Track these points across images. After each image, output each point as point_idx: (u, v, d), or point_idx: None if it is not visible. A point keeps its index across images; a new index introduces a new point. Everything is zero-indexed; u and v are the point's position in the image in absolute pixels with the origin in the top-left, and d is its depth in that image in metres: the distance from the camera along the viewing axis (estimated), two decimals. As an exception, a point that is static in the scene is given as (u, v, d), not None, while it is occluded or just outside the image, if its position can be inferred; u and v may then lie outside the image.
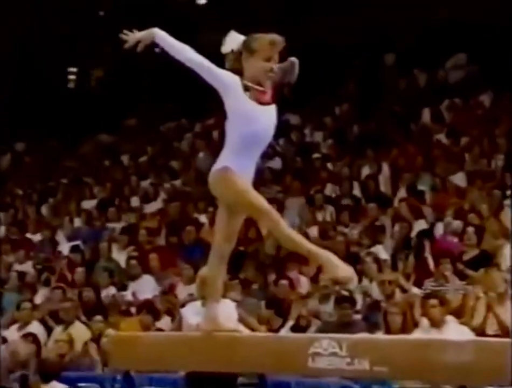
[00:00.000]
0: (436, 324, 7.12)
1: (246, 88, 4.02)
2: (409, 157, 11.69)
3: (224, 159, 4.11)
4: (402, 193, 10.82)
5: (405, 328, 7.38)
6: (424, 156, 11.51)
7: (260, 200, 4.02)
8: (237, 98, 4.02)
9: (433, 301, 7.26)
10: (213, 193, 4.22)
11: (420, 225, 9.82)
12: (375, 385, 6.55)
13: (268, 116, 4.09)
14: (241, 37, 4.14)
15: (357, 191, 11.35)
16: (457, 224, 9.49)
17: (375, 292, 8.45)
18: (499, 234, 9.15)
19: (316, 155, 12.59)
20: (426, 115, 13.23)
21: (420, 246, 9.21)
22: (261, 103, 4.05)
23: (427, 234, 9.52)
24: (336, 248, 8.25)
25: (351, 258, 9.03)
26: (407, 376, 4.27)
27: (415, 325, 7.47)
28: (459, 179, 10.94)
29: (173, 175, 13.54)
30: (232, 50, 4.12)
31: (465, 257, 8.83)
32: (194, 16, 15.84)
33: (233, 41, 4.15)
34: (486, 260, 8.65)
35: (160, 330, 7.99)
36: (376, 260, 8.87)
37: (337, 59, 14.86)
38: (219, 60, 4.16)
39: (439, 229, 9.76)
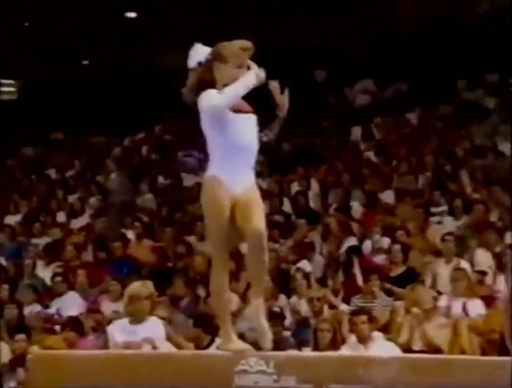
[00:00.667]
0: (363, 340, 7.19)
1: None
2: (338, 173, 11.85)
3: (210, 168, 4.16)
4: (332, 209, 10.95)
5: (334, 345, 7.44)
6: (354, 173, 11.67)
7: (218, 234, 4.09)
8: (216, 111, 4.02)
9: (361, 317, 7.33)
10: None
11: (349, 241, 9.94)
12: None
13: (247, 123, 4.09)
14: (207, 49, 4.12)
15: (287, 207, 11.44)
16: (385, 241, 9.65)
17: (304, 308, 8.51)
18: (425, 251, 9.34)
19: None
20: (357, 132, 13.45)
21: (349, 262, 9.32)
22: (240, 112, 4.05)
23: (355, 250, 9.64)
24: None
25: (282, 275, 9.11)
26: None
27: (343, 341, 7.54)
28: (388, 196, 11.13)
29: (101, 190, 13.43)
30: (200, 63, 4.09)
31: (392, 274, 8.97)
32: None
33: (199, 54, 4.13)
34: (413, 276, 8.81)
35: (85, 348, 7.89)
36: (306, 276, 8.93)
37: (267, 76, 14.98)
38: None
39: (368, 245, 9.90)
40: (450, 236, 9.11)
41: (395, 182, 11.43)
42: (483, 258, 8.90)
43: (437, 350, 7.44)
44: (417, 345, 7.59)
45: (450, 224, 10.07)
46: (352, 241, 9.90)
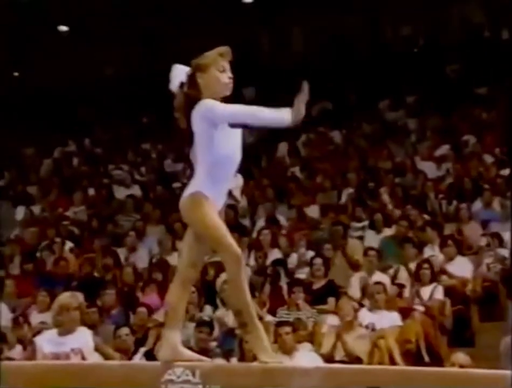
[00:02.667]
0: (287, 351, 7.25)
1: None
2: (264, 189, 11.94)
3: (197, 183, 3.99)
4: (261, 223, 11.03)
5: (260, 356, 7.47)
6: (279, 188, 11.79)
7: (224, 236, 3.93)
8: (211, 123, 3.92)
9: (286, 328, 7.40)
10: (183, 215, 4.04)
11: (275, 254, 10.02)
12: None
13: (235, 135, 4.02)
14: (185, 68, 4.06)
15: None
16: (309, 254, 9.76)
17: (231, 319, 8.54)
18: (346, 264, 9.50)
19: (176, 184, 12.64)
20: (283, 148, 13.59)
21: (275, 275, 9.40)
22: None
23: (281, 263, 9.73)
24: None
25: (207, 286, 9.13)
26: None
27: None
28: (312, 211, 11.27)
29: (30, 201, 13.24)
30: (182, 83, 4.02)
31: (315, 286, 9.08)
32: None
33: (179, 74, 4.07)
34: (334, 289, 8.94)
35: (11, 359, 7.75)
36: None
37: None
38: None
39: (293, 259, 9.99)
40: (372, 251, 9.28)
41: (319, 197, 11.57)
42: (402, 272, 9.09)
43: (358, 360, 7.57)
44: (339, 356, 7.70)
45: (371, 238, 10.25)
46: (277, 254, 10.00)
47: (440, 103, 13.65)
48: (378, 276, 8.88)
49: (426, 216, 10.45)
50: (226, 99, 4.00)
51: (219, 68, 3.98)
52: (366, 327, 8.11)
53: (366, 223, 10.62)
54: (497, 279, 8.66)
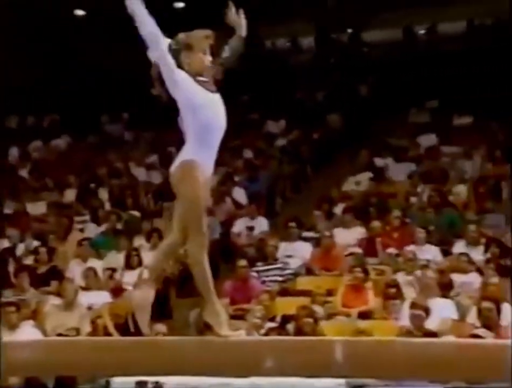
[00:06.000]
0: (11, 327, 7.23)
1: (196, 82, 3.69)
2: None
3: (188, 151, 3.63)
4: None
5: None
6: (10, 187, 11.60)
7: (200, 219, 3.60)
8: (189, 90, 3.64)
9: (11, 308, 7.37)
10: (172, 184, 3.66)
11: (3, 244, 9.89)
12: None
13: (217, 102, 3.73)
14: (167, 40, 3.71)
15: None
16: (35, 244, 9.77)
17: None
18: (69, 252, 9.64)
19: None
20: (15, 152, 13.34)
21: (3, 262, 9.26)
22: (208, 91, 3.69)
23: (10, 251, 9.64)
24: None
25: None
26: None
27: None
28: (40, 207, 11.22)
29: None
30: None
31: (40, 271, 9.10)
32: None
33: (160, 44, 3.67)
34: (58, 274, 9.02)
35: None
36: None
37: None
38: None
39: (21, 247, 9.93)
40: (85, 241, 9.57)
41: (45, 195, 11.55)
42: (114, 258, 9.40)
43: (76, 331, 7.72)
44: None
45: (92, 230, 10.46)
46: (6, 243, 9.88)
47: (151, 119, 14.15)
48: (92, 262, 9.16)
49: (136, 213, 10.85)
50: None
51: (202, 50, 3.74)
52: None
53: (87, 217, 10.81)
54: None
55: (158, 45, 3.61)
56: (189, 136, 3.67)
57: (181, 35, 3.74)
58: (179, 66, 3.65)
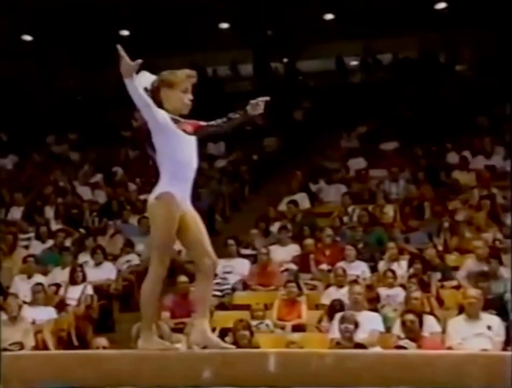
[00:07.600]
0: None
1: (174, 121, 3.60)
2: None
3: (164, 185, 3.58)
4: None
5: None
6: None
7: (164, 251, 3.59)
8: (168, 131, 3.56)
9: None
10: (149, 216, 3.63)
11: None
12: None
13: (191, 144, 3.67)
14: (152, 76, 3.66)
15: None
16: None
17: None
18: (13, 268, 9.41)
19: None
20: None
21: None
22: (186, 133, 3.63)
23: None
24: None
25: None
26: None
27: None
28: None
29: None
30: (146, 89, 3.60)
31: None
32: None
33: (145, 80, 3.64)
34: (2, 290, 8.80)
35: None
36: None
37: None
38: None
39: None
40: (31, 258, 9.33)
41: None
42: (58, 274, 9.23)
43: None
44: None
45: (36, 247, 10.23)
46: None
47: (97, 140, 14.02)
48: (38, 278, 8.95)
49: (82, 230, 10.68)
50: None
51: (184, 89, 3.66)
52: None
53: (32, 234, 10.59)
54: (133, 279, 9.15)
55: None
56: (165, 169, 3.63)
57: (164, 72, 3.68)
58: (158, 103, 3.59)
